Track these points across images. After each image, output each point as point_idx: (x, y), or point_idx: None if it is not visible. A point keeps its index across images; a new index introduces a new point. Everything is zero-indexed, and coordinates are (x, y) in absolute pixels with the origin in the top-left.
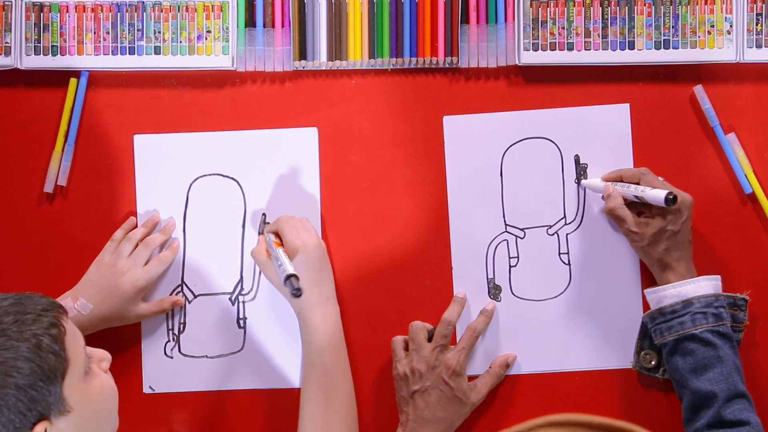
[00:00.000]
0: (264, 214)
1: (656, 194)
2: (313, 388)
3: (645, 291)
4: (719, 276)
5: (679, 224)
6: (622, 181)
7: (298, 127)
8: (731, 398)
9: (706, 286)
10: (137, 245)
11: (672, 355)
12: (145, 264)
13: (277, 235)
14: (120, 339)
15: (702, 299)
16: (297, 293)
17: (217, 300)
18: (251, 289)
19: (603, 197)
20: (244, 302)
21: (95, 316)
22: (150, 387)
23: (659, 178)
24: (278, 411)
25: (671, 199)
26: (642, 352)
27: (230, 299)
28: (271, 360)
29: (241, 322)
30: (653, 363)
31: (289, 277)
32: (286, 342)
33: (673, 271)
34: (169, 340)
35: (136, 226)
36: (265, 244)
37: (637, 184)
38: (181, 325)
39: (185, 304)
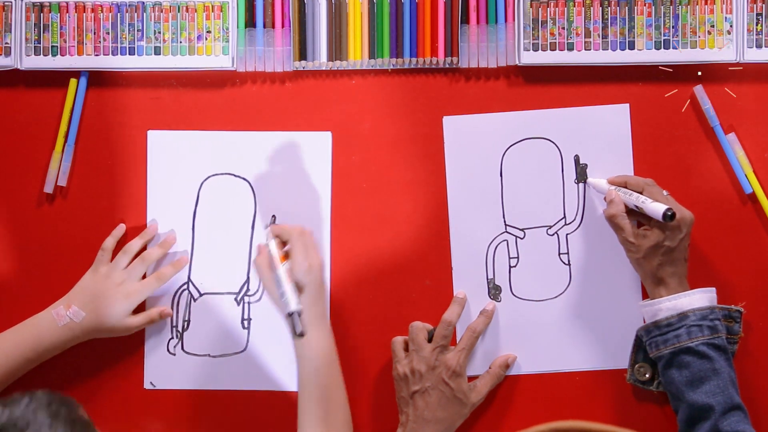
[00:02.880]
0: (273, 216)
1: (656, 208)
2: (311, 404)
3: (639, 304)
4: (714, 288)
5: (676, 241)
6: (626, 187)
7: (312, 131)
8: (728, 410)
9: (702, 298)
10: (136, 256)
11: (668, 368)
12: (142, 278)
13: (281, 243)
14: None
15: (697, 312)
16: (300, 335)
17: (222, 299)
18: (257, 290)
19: (605, 200)
20: (249, 303)
21: (86, 324)
22: (151, 383)
23: (664, 192)
24: (278, 413)
25: (669, 216)
26: (636, 365)
27: (236, 299)
28: (274, 362)
29: (246, 322)
30: (647, 376)
31: (292, 314)
32: (290, 345)
33: (666, 286)
34: (172, 337)
35: (126, 234)
36: (267, 254)
37: (641, 193)
38: (185, 323)
39: (190, 302)
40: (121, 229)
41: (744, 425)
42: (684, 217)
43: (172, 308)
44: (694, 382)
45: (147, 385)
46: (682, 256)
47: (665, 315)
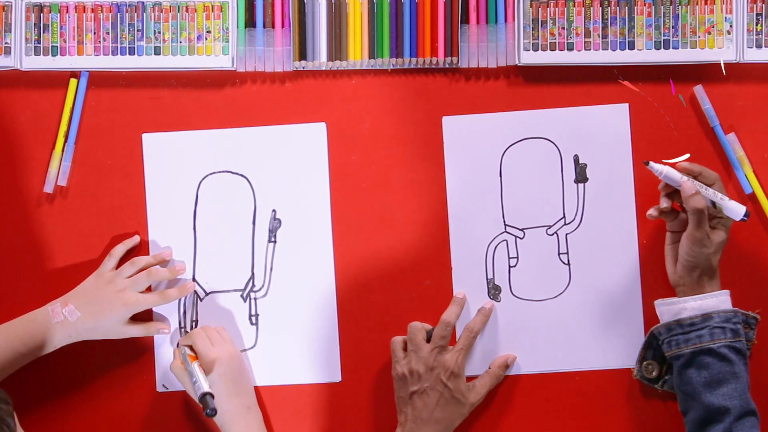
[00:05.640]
0: (274, 210)
1: (734, 207)
2: None
3: (658, 302)
4: (729, 291)
5: (728, 236)
6: (698, 178)
7: (306, 123)
8: (743, 415)
9: (726, 300)
10: (139, 270)
11: (686, 367)
12: (143, 292)
13: (192, 348)
14: (132, 338)
15: (722, 314)
16: (211, 413)
17: (228, 297)
18: (263, 285)
19: (680, 189)
20: (255, 299)
21: (80, 324)
22: (163, 386)
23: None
24: (291, 407)
25: (746, 215)
26: (645, 362)
27: (242, 296)
28: (284, 356)
29: (253, 318)
30: (654, 374)
31: (204, 395)
32: (299, 338)
33: (716, 281)
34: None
35: (138, 245)
36: (180, 357)
37: (711, 186)
38: (193, 323)
39: (196, 302)
40: (134, 240)
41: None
42: None
43: (178, 309)
44: (712, 384)
45: (159, 388)
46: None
47: (689, 314)
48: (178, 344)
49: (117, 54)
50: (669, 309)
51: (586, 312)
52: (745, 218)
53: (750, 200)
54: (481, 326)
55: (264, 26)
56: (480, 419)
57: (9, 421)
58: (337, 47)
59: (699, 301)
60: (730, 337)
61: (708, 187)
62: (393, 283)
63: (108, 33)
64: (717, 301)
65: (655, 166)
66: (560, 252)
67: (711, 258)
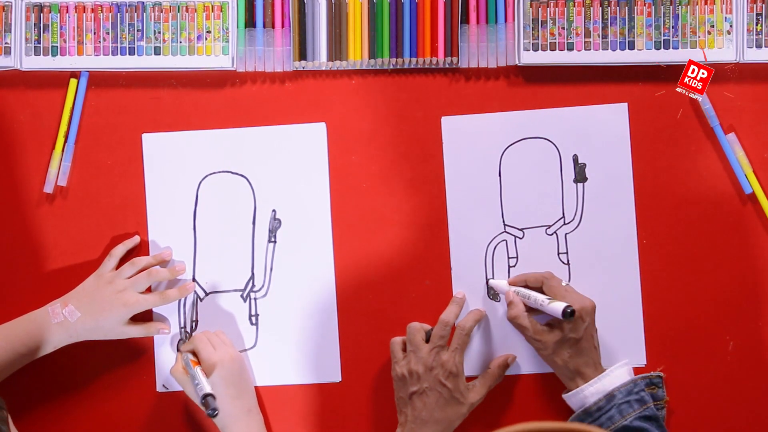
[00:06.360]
0: (274, 210)
1: (555, 308)
2: None
3: (563, 395)
4: (628, 360)
5: (581, 331)
6: (526, 285)
7: (306, 123)
8: None
9: (621, 374)
10: (139, 271)
11: None
12: (143, 292)
13: (195, 353)
14: (132, 338)
15: (622, 389)
16: (213, 413)
17: (228, 297)
18: (263, 285)
19: (506, 301)
20: (255, 299)
21: (80, 325)
22: (164, 386)
23: (563, 282)
24: (292, 407)
25: (569, 313)
26: None
27: (242, 296)
28: (285, 356)
29: (253, 318)
30: None
31: (205, 396)
32: (299, 338)
33: (582, 377)
34: (181, 339)
35: (138, 245)
36: (182, 362)
37: (541, 288)
38: (193, 323)
39: (196, 302)
40: (134, 241)
41: None
42: (584, 307)
43: (178, 309)
44: None
45: (159, 388)
46: (591, 345)
47: (593, 400)
48: (179, 349)
49: (117, 54)
50: (574, 401)
51: None
52: (569, 314)
53: (750, 200)
54: (473, 324)
55: (264, 26)
56: (480, 419)
57: (2, 427)
58: (337, 47)
59: (596, 385)
60: (637, 408)
61: (531, 294)
62: (393, 283)
63: (108, 33)
64: (612, 378)
65: (491, 282)
66: (560, 252)
67: (553, 358)
